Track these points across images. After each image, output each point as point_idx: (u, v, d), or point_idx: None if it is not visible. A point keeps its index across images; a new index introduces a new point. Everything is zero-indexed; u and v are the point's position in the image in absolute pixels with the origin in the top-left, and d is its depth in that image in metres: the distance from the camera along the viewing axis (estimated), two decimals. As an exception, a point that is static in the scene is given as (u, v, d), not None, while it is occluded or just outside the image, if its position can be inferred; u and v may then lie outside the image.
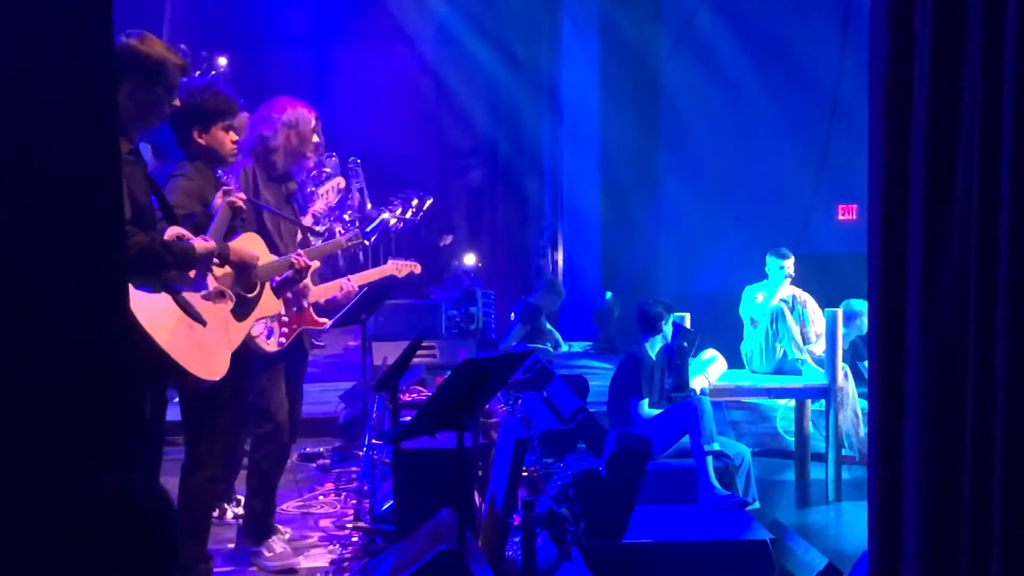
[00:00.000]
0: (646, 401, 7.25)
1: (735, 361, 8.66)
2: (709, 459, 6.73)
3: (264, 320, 4.73)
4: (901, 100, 3.02)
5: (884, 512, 3.21)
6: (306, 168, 5.52)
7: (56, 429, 2.08)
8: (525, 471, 5.03)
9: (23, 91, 2.01)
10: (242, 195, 4.28)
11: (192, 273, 3.87)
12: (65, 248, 2.11)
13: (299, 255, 4.75)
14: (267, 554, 5.02)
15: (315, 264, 4.95)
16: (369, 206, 11.14)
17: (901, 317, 3.07)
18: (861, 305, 8.44)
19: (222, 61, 10.26)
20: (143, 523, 1.81)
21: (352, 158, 11.62)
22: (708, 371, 7.98)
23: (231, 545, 5.23)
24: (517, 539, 4.45)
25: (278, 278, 4.64)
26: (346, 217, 10.57)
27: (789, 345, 8.58)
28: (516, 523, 4.35)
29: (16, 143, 2.05)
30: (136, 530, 1.80)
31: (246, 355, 4.65)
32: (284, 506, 5.78)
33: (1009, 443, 2.75)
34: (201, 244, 3.85)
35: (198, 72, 9.38)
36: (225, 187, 4.30)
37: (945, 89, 2.91)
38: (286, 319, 4.96)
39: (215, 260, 3.99)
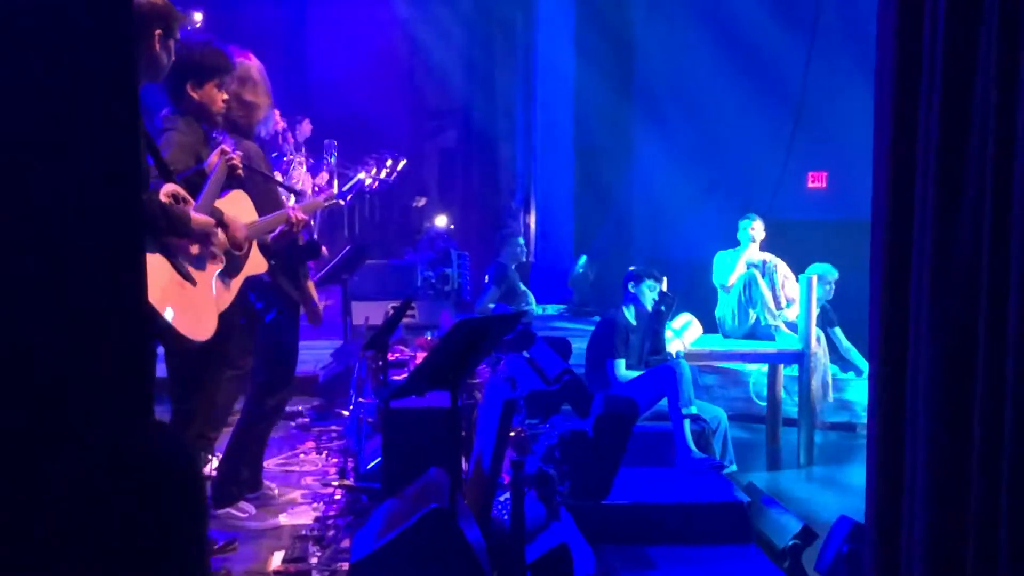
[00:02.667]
0: (622, 362, 7.30)
1: (710, 326, 8.73)
2: (686, 422, 6.78)
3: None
4: (911, 74, 3.02)
5: (884, 485, 3.22)
6: (272, 125, 5.41)
7: (80, 380, 2.07)
8: (512, 431, 5.05)
9: (39, 48, 1.99)
10: (240, 154, 4.22)
11: (195, 249, 3.82)
12: (83, 207, 2.09)
13: (294, 208, 4.71)
14: (240, 515, 5.02)
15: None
16: (335, 192, 11.03)
17: (905, 296, 3.06)
18: (824, 270, 8.57)
19: (197, 16, 10.14)
20: (172, 469, 1.82)
21: (328, 140, 11.58)
22: (684, 335, 8.03)
23: None
24: (503, 498, 4.48)
25: (273, 233, 4.59)
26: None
27: (762, 311, 8.65)
28: (505, 482, 4.38)
29: (35, 100, 2.02)
30: (167, 476, 1.81)
31: (232, 314, 4.62)
32: (266, 463, 5.78)
33: (1021, 428, 2.73)
34: (199, 218, 3.80)
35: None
36: (223, 147, 4.24)
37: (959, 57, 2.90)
38: None
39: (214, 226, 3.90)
